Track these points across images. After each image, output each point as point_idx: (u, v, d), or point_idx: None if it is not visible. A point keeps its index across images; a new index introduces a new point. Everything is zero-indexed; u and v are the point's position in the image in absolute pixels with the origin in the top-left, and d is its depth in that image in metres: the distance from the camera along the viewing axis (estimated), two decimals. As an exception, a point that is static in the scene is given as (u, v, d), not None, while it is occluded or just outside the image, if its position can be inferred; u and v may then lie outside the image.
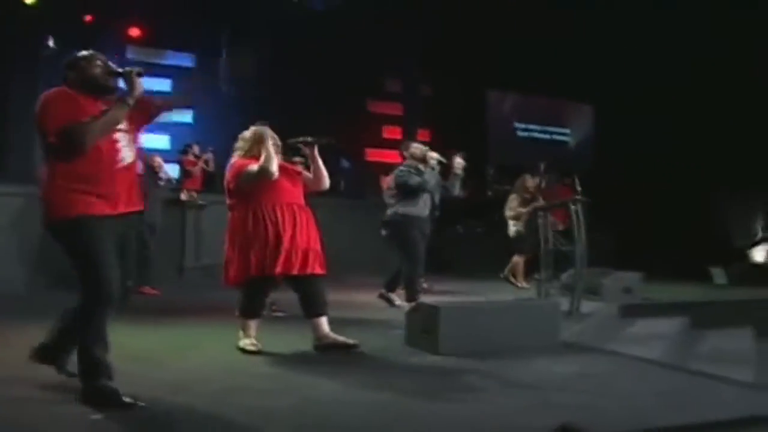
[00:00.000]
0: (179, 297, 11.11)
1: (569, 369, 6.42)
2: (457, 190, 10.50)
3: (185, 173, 15.59)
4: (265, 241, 6.70)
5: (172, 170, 15.61)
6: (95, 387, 4.84)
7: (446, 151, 10.48)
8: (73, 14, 16.23)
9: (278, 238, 6.71)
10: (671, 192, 17.99)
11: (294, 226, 6.82)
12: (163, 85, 18.59)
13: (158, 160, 12.03)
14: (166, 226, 12.48)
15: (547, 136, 23.34)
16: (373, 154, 20.85)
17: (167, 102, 6.00)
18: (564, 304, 8.99)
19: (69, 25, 16.04)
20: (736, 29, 16.40)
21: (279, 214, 6.79)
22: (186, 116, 18.59)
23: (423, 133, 20.51)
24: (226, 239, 6.98)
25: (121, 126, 5.04)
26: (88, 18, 16.78)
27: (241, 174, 6.85)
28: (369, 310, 10.04)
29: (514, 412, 5.00)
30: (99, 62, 5.14)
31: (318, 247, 7.01)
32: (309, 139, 7.16)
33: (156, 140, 17.87)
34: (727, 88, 17.17)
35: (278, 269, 6.68)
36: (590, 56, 18.70)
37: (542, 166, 16.20)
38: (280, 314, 8.95)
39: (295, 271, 6.77)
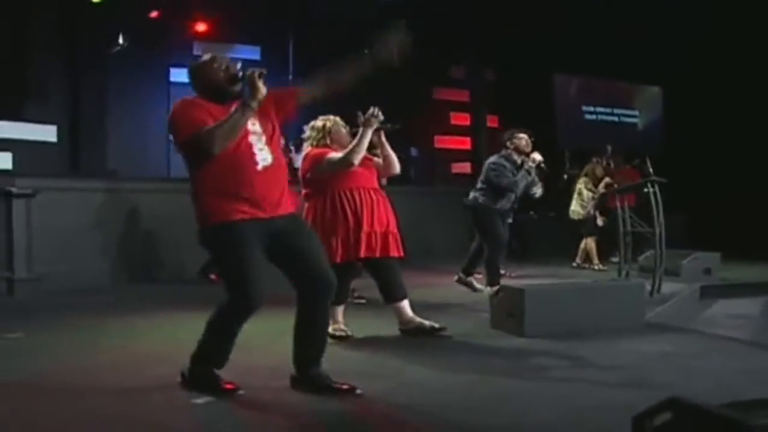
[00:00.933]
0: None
1: (656, 348, 6.43)
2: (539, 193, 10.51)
3: None
4: (346, 226, 6.77)
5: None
6: (200, 371, 4.92)
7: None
8: (139, 11, 16.40)
9: (358, 222, 6.78)
10: (744, 171, 17.77)
11: (372, 209, 6.89)
12: (231, 78, 18.76)
13: None
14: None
15: (615, 119, 23.14)
16: (442, 141, 20.90)
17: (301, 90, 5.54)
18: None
19: (136, 21, 16.22)
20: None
21: (357, 199, 6.85)
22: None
23: (492, 119, 20.51)
24: None
25: (255, 128, 4.91)
26: (154, 14, 16.94)
27: (321, 163, 6.89)
28: (449, 294, 10.05)
29: (607, 390, 5.03)
30: (220, 67, 5.01)
31: (396, 230, 7.08)
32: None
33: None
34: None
35: (362, 253, 6.76)
36: (656, 36, 18.54)
37: (609, 149, 16.15)
38: (361, 301, 9.03)
39: (377, 254, 6.86)
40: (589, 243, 13.79)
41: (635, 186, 11.53)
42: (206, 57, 5.10)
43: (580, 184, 14.15)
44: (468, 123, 20.49)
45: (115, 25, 15.93)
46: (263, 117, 4.96)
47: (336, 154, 6.81)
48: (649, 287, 9.05)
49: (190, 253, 11.97)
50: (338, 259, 6.67)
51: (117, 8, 15.72)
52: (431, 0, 17.49)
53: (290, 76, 18.52)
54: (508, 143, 10.33)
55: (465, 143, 20.05)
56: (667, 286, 9.73)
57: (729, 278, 11.63)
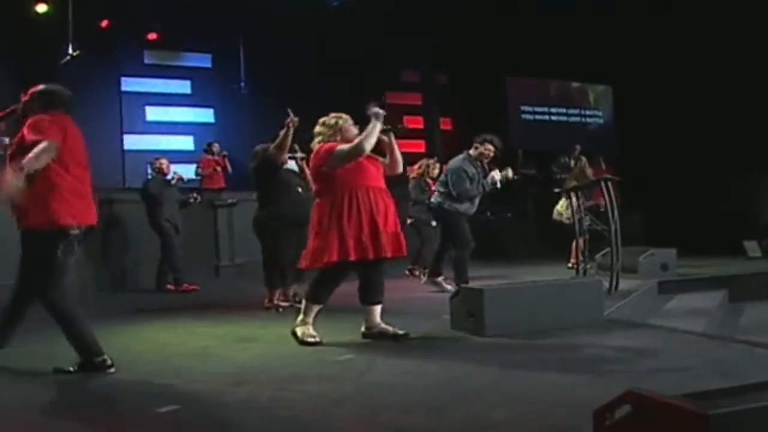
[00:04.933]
0: (221, 295, 11.24)
1: (617, 343, 6.48)
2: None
3: (203, 172, 16.14)
4: (360, 225, 6.71)
5: (191, 171, 15.85)
6: None
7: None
8: (90, 20, 16.29)
9: (375, 222, 6.76)
10: (701, 168, 17.92)
11: (385, 210, 6.88)
12: (183, 87, 18.74)
13: (165, 161, 12.25)
14: (197, 226, 12.58)
15: (565, 119, 23.31)
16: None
17: None
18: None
19: (86, 31, 16.11)
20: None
21: (372, 198, 6.82)
22: (208, 116, 18.70)
23: (445, 122, 20.57)
24: (312, 225, 6.97)
25: None
26: (104, 23, 16.85)
27: (333, 155, 6.83)
28: (408, 297, 10.23)
29: (570, 385, 5.04)
30: None
31: (401, 231, 7.10)
32: (386, 126, 7.18)
33: (181, 141, 18.04)
34: (755, 62, 17.10)
35: (388, 252, 6.79)
36: (608, 36, 18.67)
37: (578, 148, 16.26)
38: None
39: (393, 254, 6.88)
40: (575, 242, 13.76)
41: (589, 184, 11.61)
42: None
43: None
44: (422, 126, 20.52)
45: (64, 36, 15.81)
46: None
47: (346, 145, 6.83)
48: (606, 284, 9.10)
49: (149, 262, 12.04)
50: (352, 257, 6.67)
51: (66, 18, 15.61)
52: (382, 4, 17.51)
53: (242, 83, 18.51)
54: (475, 146, 10.44)
55: (419, 146, 20.05)
56: (625, 283, 9.79)
57: (685, 273, 11.76)
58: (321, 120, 7.20)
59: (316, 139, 7.16)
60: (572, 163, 15.27)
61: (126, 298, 11.17)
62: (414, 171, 13.20)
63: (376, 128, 6.78)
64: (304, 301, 7.05)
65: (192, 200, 12.59)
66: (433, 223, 11.90)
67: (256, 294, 9.92)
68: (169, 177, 12.17)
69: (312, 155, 7.17)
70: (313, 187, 7.12)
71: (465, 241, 10.39)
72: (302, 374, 5.40)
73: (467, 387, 5.13)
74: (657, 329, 7.47)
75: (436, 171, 12.99)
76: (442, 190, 10.54)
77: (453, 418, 4.42)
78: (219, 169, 16.62)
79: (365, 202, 6.76)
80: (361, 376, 5.47)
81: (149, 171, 12.34)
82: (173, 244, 11.90)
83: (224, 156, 16.76)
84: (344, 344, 6.76)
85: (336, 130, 7.04)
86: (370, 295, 7.06)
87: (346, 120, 7.12)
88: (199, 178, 16.56)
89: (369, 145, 6.74)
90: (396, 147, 7.25)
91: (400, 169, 7.40)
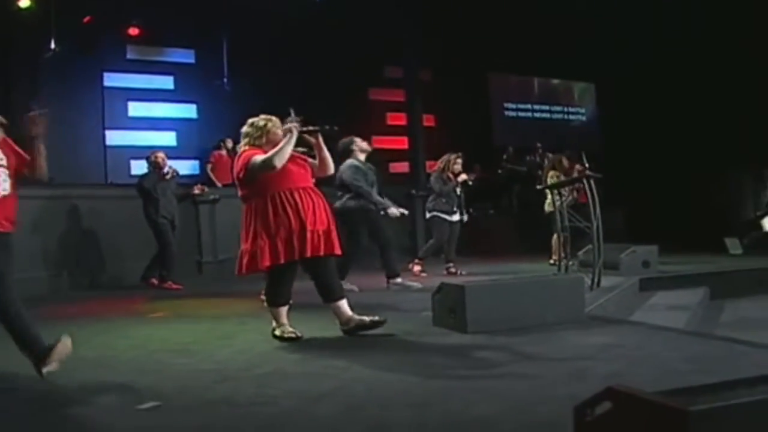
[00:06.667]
0: (203, 291, 11.21)
1: (599, 340, 6.48)
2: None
3: (211, 168, 16.17)
4: (289, 226, 6.70)
5: (187, 167, 15.81)
6: None
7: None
8: (71, 15, 16.20)
9: (302, 222, 6.72)
10: (683, 165, 17.98)
11: (313, 209, 6.84)
12: (166, 82, 18.66)
13: (161, 155, 12.19)
14: (180, 222, 12.52)
15: (548, 116, 23.37)
16: (379, 141, 20.90)
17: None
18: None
19: (68, 26, 16.04)
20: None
21: (297, 199, 6.79)
22: (191, 112, 18.65)
23: (428, 118, 20.53)
24: (243, 230, 6.95)
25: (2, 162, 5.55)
26: (87, 19, 16.76)
27: (248, 167, 6.83)
28: (388, 294, 10.18)
29: (552, 382, 5.05)
30: None
31: (335, 228, 7.06)
32: (312, 127, 7.14)
33: (163, 137, 17.97)
34: (736, 60, 17.17)
35: (309, 252, 6.72)
36: (590, 34, 18.71)
37: (540, 146, 16.28)
38: None
39: (321, 252, 6.80)
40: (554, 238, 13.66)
41: (570, 181, 11.63)
42: None
43: (551, 179, 13.62)
44: (404, 123, 20.49)
45: (47, 31, 15.74)
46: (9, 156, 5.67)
47: (260, 156, 6.79)
48: (588, 281, 9.12)
49: (131, 259, 12.01)
50: (282, 260, 6.67)
51: (49, 14, 15.54)
52: (366, 1, 17.50)
53: (225, 79, 18.44)
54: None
55: (402, 143, 20.04)
56: (607, 280, 9.83)
57: (667, 270, 11.81)
58: (250, 120, 7.17)
59: (243, 141, 7.14)
60: (537, 159, 15.22)
61: (107, 295, 11.11)
62: (436, 166, 13.16)
63: (289, 144, 6.76)
64: (269, 309, 7.07)
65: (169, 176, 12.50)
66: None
67: (238, 290, 9.93)
68: (164, 171, 12.09)
69: (236, 158, 7.18)
70: (239, 192, 7.08)
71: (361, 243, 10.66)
72: (283, 371, 5.42)
73: (448, 383, 5.15)
74: (638, 326, 7.51)
75: (458, 166, 12.92)
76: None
77: (434, 414, 4.43)
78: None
79: (290, 203, 6.75)
80: (342, 373, 5.47)
81: (146, 165, 12.24)
82: (169, 241, 11.80)
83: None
84: (324, 341, 6.78)
85: (263, 133, 7.01)
86: (325, 293, 7.05)
87: (274, 123, 7.08)
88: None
89: (279, 160, 6.67)
90: (324, 148, 7.20)
91: (331, 170, 7.39)
